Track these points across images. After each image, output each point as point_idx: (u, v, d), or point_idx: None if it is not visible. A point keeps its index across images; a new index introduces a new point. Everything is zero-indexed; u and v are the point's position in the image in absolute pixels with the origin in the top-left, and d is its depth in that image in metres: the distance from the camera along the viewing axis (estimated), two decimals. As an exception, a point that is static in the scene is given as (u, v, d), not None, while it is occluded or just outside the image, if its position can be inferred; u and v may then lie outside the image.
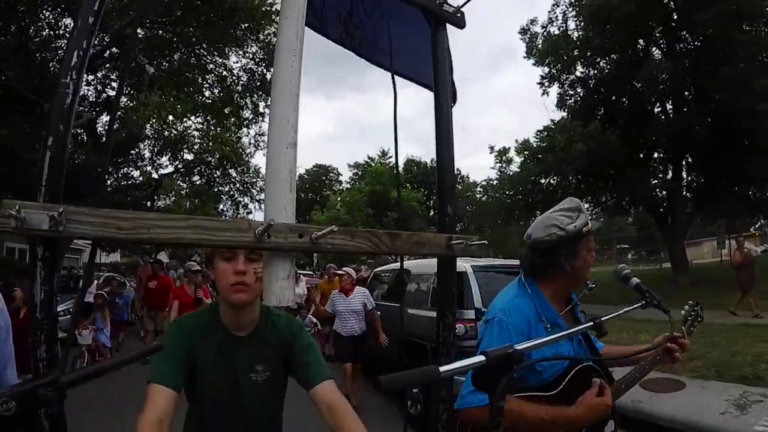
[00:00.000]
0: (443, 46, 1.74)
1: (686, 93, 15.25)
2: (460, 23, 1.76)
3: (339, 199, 32.35)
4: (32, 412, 0.63)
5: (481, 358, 0.84)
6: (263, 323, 1.41)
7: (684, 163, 16.19)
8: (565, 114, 16.73)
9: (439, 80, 1.72)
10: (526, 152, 16.39)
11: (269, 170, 1.23)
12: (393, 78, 1.72)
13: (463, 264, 4.71)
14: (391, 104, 1.68)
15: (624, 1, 13.68)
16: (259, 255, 1.32)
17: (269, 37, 14.06)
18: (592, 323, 1.06)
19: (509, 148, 17.56)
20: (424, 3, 1.67)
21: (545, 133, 15.97)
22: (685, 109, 14.88)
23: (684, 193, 16.39)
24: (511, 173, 17.51)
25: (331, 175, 47.77)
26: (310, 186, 45.55)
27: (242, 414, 1.37)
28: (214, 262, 1.35)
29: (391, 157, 31.27)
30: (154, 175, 17.21)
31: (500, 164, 17.72)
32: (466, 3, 1.79)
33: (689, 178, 16.79)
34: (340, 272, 6.01)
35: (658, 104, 15.88)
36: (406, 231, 1.48)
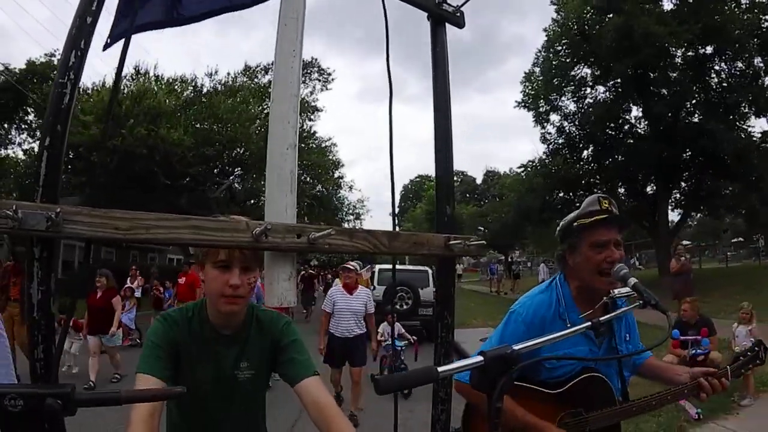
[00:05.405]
0: (443, 45, 1.73)
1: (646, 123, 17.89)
2: (460, 23, 1.76)
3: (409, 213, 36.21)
4: (36, 417, 0.62)
5: (479, 358, 0.84)
6: (248, 321, 1.39)
7: (669, 181, 18.40)
8: (545, 148, 20.32)
9: (438, 79, 1.71)
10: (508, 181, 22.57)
11: (270, 171, 1.22)
12: (387, 57, 1.67)
13: (376, 266, 10.73)
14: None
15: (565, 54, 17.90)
16: (255, 263, 1.28)
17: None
18: (589, 323, 1.06)
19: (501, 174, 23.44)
20: (423, 2, 1.67)
21: (522, 169, 21.30)
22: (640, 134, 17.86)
23: (670, 205, 18.96)
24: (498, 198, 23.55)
25: (431, 182, 50.24)
26: (413, 195, 50.98)
27: (227, 411, 1.36)
28: (205, 265, 1.28)
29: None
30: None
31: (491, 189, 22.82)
32: (465, 2, 1.78)
33: (674, 192, 19.31)
34: (348, 266, 5.33)
35: (630, 135, 18.46)
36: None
